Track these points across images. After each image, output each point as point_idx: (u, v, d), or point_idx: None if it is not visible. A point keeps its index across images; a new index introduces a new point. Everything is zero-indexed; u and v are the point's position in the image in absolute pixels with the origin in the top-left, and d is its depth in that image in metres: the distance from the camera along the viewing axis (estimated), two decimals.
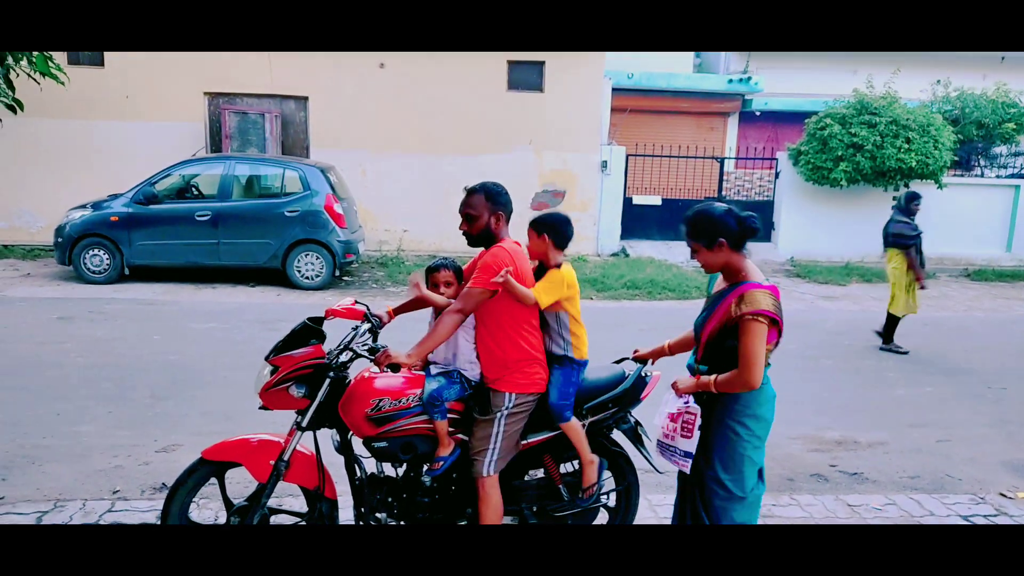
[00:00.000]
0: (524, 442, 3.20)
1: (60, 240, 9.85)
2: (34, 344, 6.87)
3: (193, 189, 10.35)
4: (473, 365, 3.19)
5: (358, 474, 3.21)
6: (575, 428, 3.16)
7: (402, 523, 3.23)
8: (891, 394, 6.35)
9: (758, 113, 18.05)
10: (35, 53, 4.11)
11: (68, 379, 5.90)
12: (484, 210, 3.12)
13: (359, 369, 3.26)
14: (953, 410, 5.97)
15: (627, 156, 13.94)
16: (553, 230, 3.20)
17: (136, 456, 4.52)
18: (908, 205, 7.71)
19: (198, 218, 9.86)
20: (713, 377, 2.80)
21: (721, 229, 2.78)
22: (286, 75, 12.51)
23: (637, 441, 3.39)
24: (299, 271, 10.05)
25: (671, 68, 17.33)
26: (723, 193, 14.86)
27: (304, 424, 3.05)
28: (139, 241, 9.81)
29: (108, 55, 12.10)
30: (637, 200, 14.25)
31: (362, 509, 3.19)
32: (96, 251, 9.80)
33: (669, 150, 14.47)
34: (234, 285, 10.06)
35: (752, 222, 2.81)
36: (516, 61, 12.98)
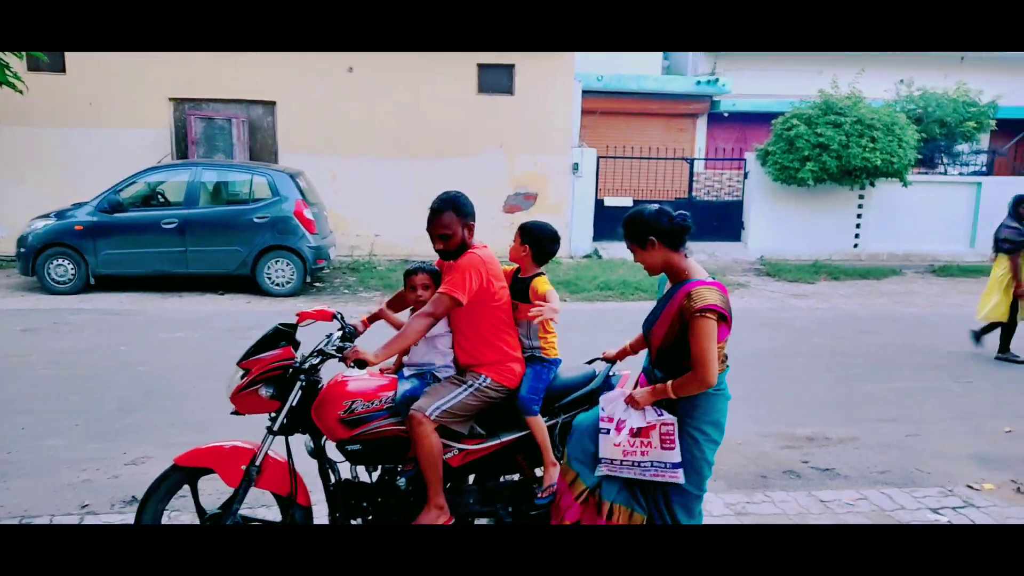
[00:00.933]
0: (498, 440, 3.20)
1: (23, 250, 9.64)
2: None
3: (159, 196, 10.19)
4: (448, 368, 3.20)
5: (332, 479, 3.19)
6: (539, 425, 3.18)
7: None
8: (860, 390, 6.45)
9: (726, 114, 18.27)
10: None
11: (33, 392, 5.77)
12: (457, 226, 3.15)
13: (332, 374, 3.24)
14: (921, 405, 6.08)
15: (598, 158, 14.01)
16: (537, 244, 3.29)
17: (105, 469, 4.43)
18: (1016, 209, 7.35)
19: (164, 226, 9.71)
20: (669, 384, 2.81)
21: (652, 228, 2.85)
22: (253, 80, 12.38)
23: None
24: (269, 278, 9.94)
25: (640, 70, 17.47)
26: (693, 194, 15.00)
27: (275, 428, 3.02)
28: (104, 250, 9.64)
29: (70, 61, 11.87)
30: (609, 202, 14.33)
31: (336, 515, 3.17)
32: (60, 261, 9.61)
33: (639, 152, 14.58)
34: (202, 293, 9.92)
35: (683, 220, 2.87)
36: (486, 64, 12.99)
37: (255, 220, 9.87)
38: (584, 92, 14.58)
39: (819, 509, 4.17)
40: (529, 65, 13.05)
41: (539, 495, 3.21)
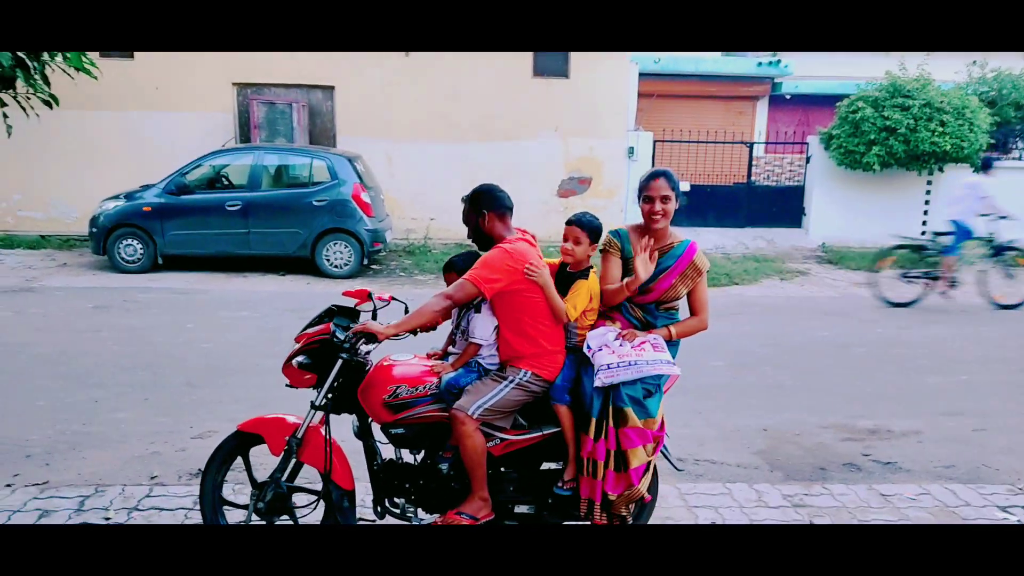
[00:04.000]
0: (539, 433, 3.21)
1: (94, 230, 10.03)
2: (71, 332, 7.02)
3: (223, 179, 10.47)
4: (492, 356, 3.22)
5: (376, 460, 3.26)
6: (565, 414, 3.15)
7: (419, 510, 3.27)
8: (924, 382, 6.25)
9: (788, 96, 17.79)
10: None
11: (105, 367, 6.03)
12: (470, 216, 3.26)
13: (381, 356, 3.30)
14: (988, 398, 5.87)
15: (654, 142, 13.82)
16: (596, 236, 3.27)
17: (173, 443, 4.61)
18: None
19: (228, 208, 9.98)
20: (667, 328, 3.22)
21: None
22: (312, 65, 12.57)
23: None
24: (328, 260, 10.13)
25: (698, 52, 17.13)
26: (752, 178, 14.69)
27: (318, 403, 3.11)
28: (171, 231, 9.97)
29: None
30: None
31: (381, 496, 3.24)
32: (130, 241, 9.97)
33: (697, 135, 14.33)
34: (264, 274, 10.18)
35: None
36: None
37: (314, 203, 10.06)
38: (640, 75, 14.38)
39: (879, 503, 4.07)
40: None
41: (559, 484, 3.19)
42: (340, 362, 3.06)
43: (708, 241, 13.33)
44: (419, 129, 12.95)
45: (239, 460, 3.28)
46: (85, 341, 6.73)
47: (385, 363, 3.24)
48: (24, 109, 4.45)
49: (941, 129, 12.20)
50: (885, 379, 6.33)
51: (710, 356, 6.75)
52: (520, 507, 3.29)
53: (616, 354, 3.03)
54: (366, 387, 3.14)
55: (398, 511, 3.27)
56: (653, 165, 13.86)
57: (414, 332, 3.13)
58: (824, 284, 10.70)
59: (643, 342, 3.10)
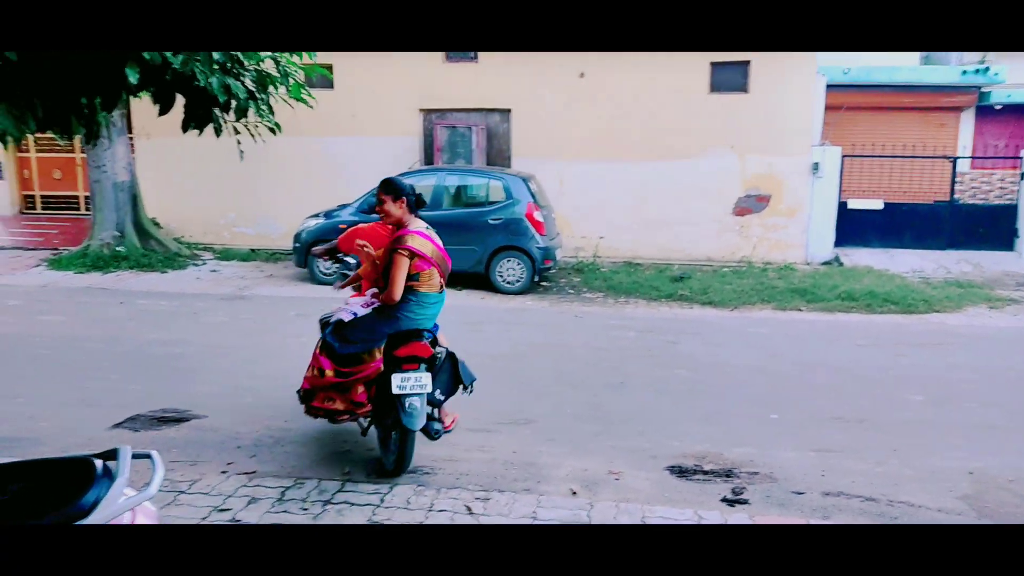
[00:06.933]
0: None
1: (297, 245, 11.04)
2: (278, 336, 7.76)
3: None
4: None
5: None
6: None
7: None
8: None
9: (998, 107, 16.09)
10: (291, 81, 4.68)
11: (303, 369, 6.57)
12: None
13: None
14: None
15: (842, 157, 13.00)
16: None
17: (362, 443, 4.94)
18: None
19: None
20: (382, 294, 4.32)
21: (406, 192, 4.42)
22: (491, 89, 13.10)
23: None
24: (501, 276, 10.46)
25: (893, 61, 15.93)
26: (955, 196, 13.40)
27: None
28: None
29: (337, 78, 13.37)
30: (853, 204, 13.26)
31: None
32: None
33: (891, 150, 13.32)
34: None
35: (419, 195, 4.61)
36: (720, 62, 12.61)
37: (490, 222, 10.44)
38: (828, 86, 13.59)
39: None
40: (766, 62, 12.45)
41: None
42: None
43: (905, 264, 12.31)
44: (591, 149, 13.07)
45: None
46: (289, 345, 7.39)
47: None
48: (253, 136, 5.01)
49: None
50: None
51: (907, 389, 6.22)
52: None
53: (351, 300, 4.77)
54: None
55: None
56: (841, 181, 13.06)
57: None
58: None
59: (370, 303, 4.57)
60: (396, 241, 4.19)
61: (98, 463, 2.06)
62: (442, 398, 4.38)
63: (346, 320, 4.50)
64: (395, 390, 4.11)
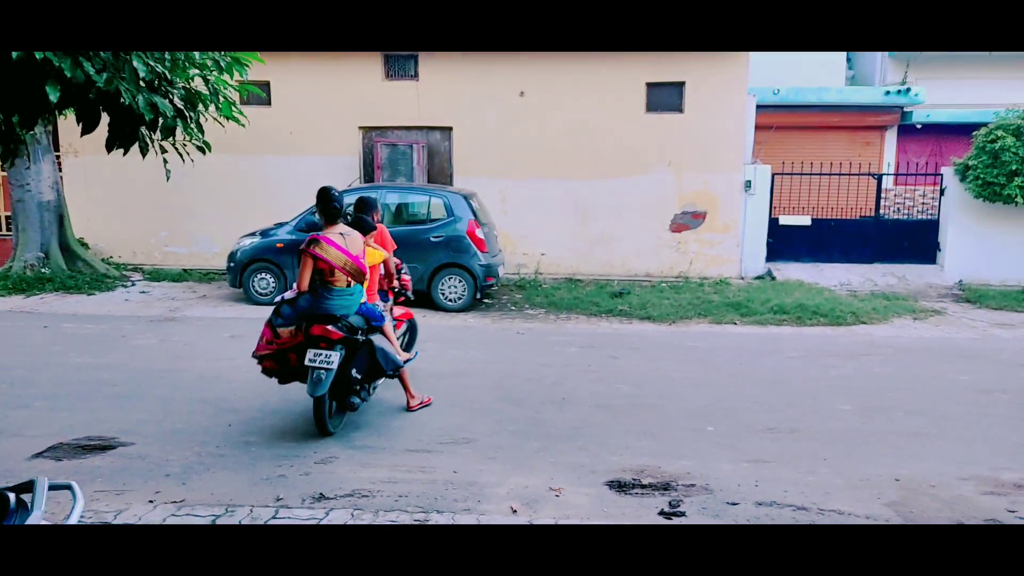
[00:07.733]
0: None
1: (232, 265, 10.79)
2: (210, 360, 7.54)
3: (348, 216, 10.98)
4: None
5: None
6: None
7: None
8: None
9: (919, 126, 16.87)
10: (222, 100, 4.57)
11: (239, 392, 6.43)
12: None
13: None
14: None
15: (773, 175, 13.42)
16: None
17: (298, 466, 4.84)
18: None
19: None
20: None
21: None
22: (432, 107, 13.10)
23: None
24: (443, 294, 10.42)
25: (821, 81, 16.58)
26: (881, 211, 13.96)
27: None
28: None
29: (275, 96, 13.18)
30: (784, 220, 13.67)
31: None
32: (263, 275, 10.65)
33: (819, 167, 13.81)
34: None
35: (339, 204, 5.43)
36: (655, 83, 12.90)
37: (432, 239, 10.41)
38: (759, 107, 14.04)
39: None
40: (700, 82, 12.80)
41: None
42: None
43: (833, 277, 12.75)
44: (532, 167, 13.17)
45: None
46: (221, 369, 7.20)
47: None
48: (181, 156, 4.87)
49: None
50: None
51: (837, 399, 6.42)
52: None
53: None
54: None
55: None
56: (772, 198, 13.47)
57: None
58: (962, 324, 9.97)
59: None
60: (305, 243, 5.11)
61: (11, 496, 1.97)
62: (359, 376, 5.25)
63: (287, 299, 5.36)
64: (307, 362, 5.06)
